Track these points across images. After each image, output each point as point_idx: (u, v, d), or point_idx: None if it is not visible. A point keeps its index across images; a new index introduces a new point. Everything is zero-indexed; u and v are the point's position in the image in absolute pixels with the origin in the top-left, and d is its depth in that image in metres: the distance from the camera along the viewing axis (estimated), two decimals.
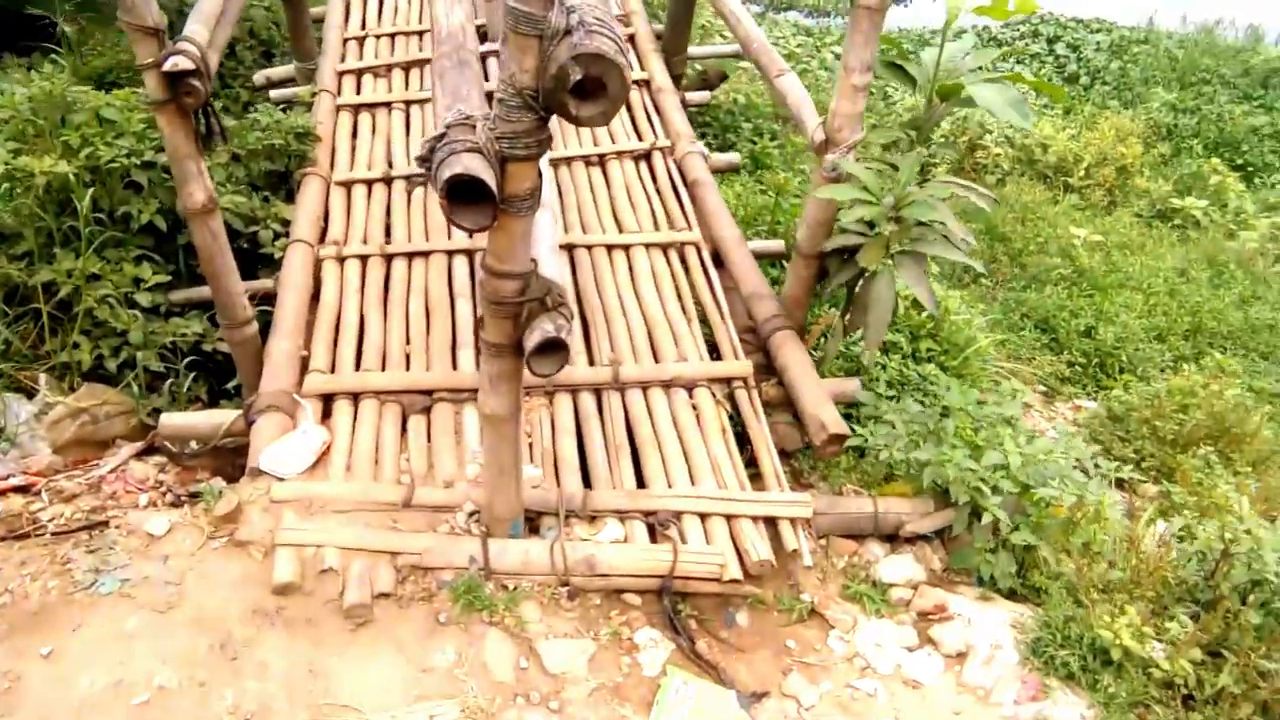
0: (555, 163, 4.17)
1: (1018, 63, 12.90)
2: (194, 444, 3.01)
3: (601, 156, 4.23)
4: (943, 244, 2.97)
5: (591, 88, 1.85)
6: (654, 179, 4.15)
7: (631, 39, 5.04)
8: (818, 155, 3.12)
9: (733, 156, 4.49)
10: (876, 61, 2.96)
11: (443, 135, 1.98)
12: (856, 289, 3.19)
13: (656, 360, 3.25)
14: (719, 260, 3.75)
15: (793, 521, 2.77)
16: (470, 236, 3.38)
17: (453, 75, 2.25)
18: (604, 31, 1.84)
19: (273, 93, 4.78)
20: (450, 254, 3.68)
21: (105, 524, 2.62)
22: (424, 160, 1.99)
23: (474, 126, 1.99)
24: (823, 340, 3.50)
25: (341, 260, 3.63)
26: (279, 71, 5.01)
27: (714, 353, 3.40)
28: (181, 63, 2.66)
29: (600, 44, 1.80)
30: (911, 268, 2.96)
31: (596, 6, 1.92)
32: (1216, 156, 10.60)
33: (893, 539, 2.98)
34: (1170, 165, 10.42)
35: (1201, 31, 13.19)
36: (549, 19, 1.83)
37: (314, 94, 4.49)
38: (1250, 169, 10.76)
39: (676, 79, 5.12)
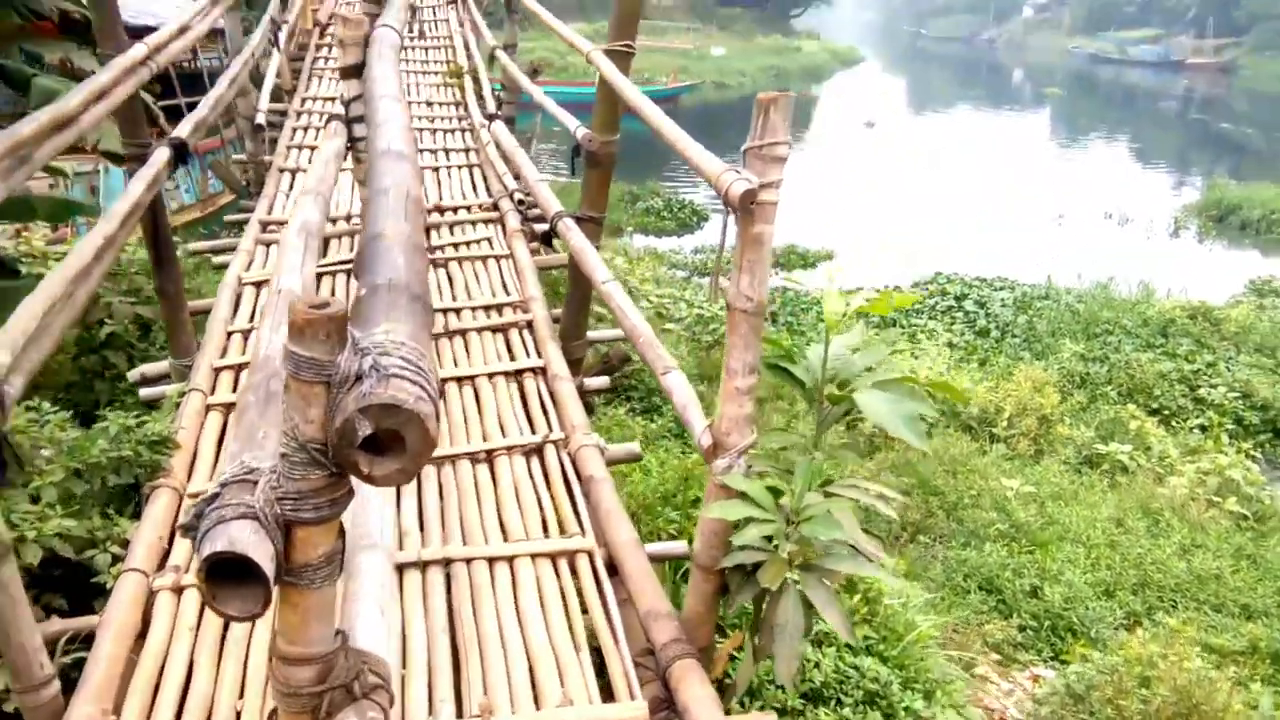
0: (439, 460, 3.85)
1: (930, 318, 13.40)
2: None
3: (490, 453, 3.92)
4: (851, 558, 2.64)
5: (389, 441, 1.53)
6: (546, 476, 3.83)
7: (530, 325, 4.91)
8: (706, 461, 2.85)
9: (633, 447, 4.21)
10: (760, 364, 2.76)
11: (215, 496, 1.62)
12: (764, 607, 2.81)
13: (538, 706, 2.76)
14: (613, 568, 3.36)
15: None
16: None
17: (252, 414, 1.92)
18: (405, 375, 1.54)
19: (142, 392, 4.47)
20: None
21: None
22: (188, 529, 1.62)
23: (255, 483, 1.64)
24: (733, 659, 3.08)
25: (179, 590, 3.15)
26: (154, 368, 4.72)
27: (603, 677, 2.93)
28: None
29: (395, 392, 1.49)
30: (818, 588, 2.61)
31: (404, 344, 1.64)
32: (1131, 402, 10.83)
33: None
34: (1089, 412, 10.59)
35: (1097, 287, 14.00)
36: (336, 363, 1.53)
37: (183, 394, 4.17)
38: (1166, 412, 10.98)
39: (577, 362, 4.95)
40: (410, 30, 9.92)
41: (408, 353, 1.62)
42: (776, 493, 3.00)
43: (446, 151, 7.63)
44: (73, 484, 3.45)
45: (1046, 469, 8.85)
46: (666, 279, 13.73)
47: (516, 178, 6.40)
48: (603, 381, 4.98)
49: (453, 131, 8.12)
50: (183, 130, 4.47)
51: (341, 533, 1.73)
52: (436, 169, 7.26)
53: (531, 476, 3.80)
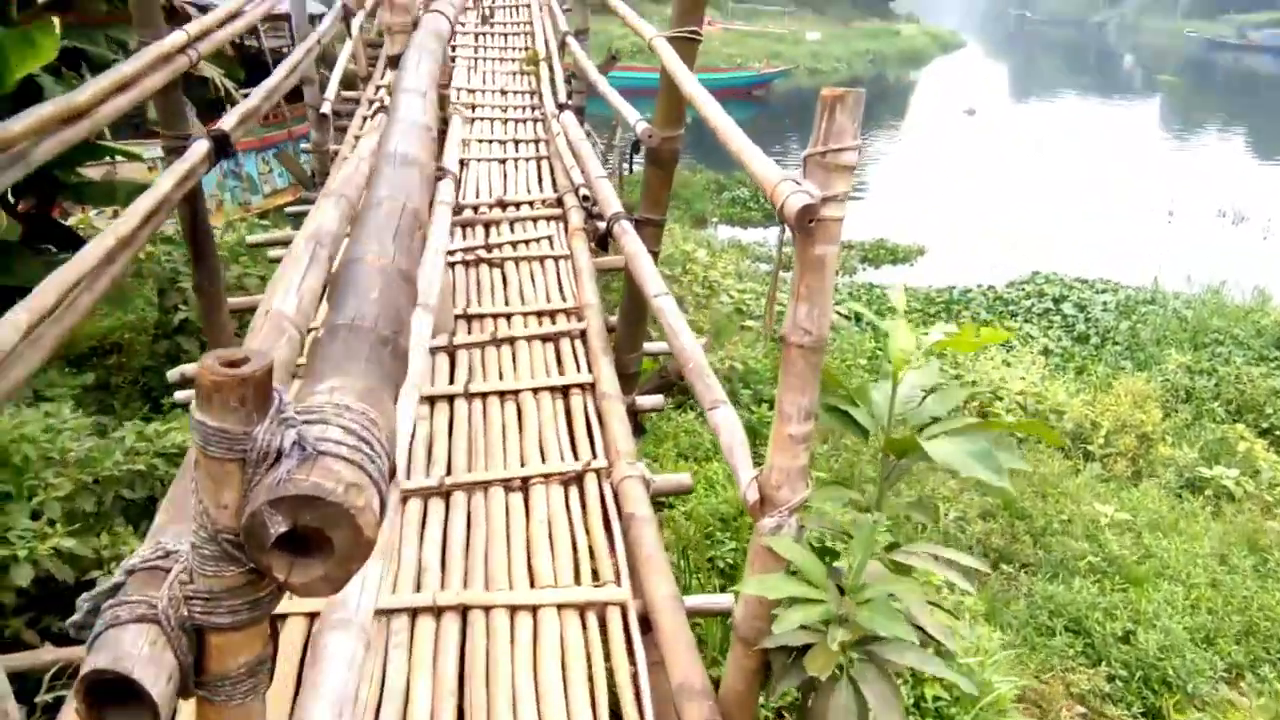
0: (471, 486, 3.56)
1: (1025, 321, 12.68)
2: None
3: (526, 480, 3.61)
4: (916, 651, 2.25)
5: (315, 537, 1.19)
6: (584, 508, 3.50)
7: (583, 334, 4.59)
8: (753, 517, 2.48)
9: (683, 478, 3.85)
10: (818, 407, 2.38)
11: (115, 589, 1.32)
12: (812, 697, 2.44)
13: None
14: (647, 622, 3.01)
15: None
16: None
17: (193, 474, 1.62)
18: (339, 453, 1.18)
19: (177, 394, 4.30)
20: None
21: None
22: (81, 628, 1.32)
23: (167, 572, 1.33)
24: None
25: None
26: (194, 368, 4.56)
27: None
28: None
29: (319, 479, 1.12)
30: (878, 684, 2.22)
31: (349, 408, 1.29)
32: (1240, 421, 10.03)
33: None
34: (1193, 430, 9.83)
35: (1208, 292, 12.97)
36: (254, 437, 1.19)
37: None
38: (1278, 434, 10.12)
39: (632, 377, 4.62)
40: (476, 17, 9.65)
41: (351, 420, 1.26)
42: (831, 554, 2.62)
43: (516, 143, 7.35)
44: (82, 499, 3.26)
45: (1144, 493, 8.19)
46: (749, 273, 13.27)
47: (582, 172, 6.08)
48: (657, 400, 4.61)
49: (524, 122, 7.84)
50: (227, 122, 4.27)
51: (274, 636, 1.42)
52: (504, 161, 6.99)
53: (568, 509, 3.48)
